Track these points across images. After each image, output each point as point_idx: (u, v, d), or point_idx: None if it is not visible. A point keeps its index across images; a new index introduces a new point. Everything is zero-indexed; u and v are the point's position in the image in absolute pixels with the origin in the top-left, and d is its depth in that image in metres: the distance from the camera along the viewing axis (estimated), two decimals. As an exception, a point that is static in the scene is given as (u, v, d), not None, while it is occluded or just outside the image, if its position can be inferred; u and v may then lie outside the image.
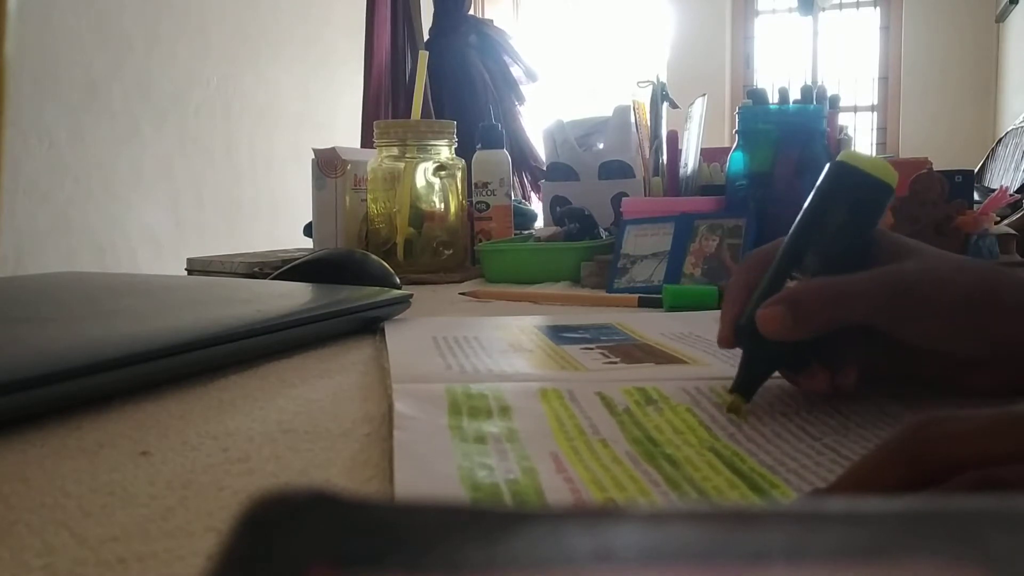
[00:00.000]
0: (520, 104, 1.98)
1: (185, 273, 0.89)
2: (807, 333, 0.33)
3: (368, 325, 0.55)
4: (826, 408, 0.34)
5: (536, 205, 1.41)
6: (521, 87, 1.99)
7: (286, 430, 0.34)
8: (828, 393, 0.35)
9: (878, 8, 4.30)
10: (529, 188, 1.85)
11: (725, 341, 0.36)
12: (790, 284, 0.35)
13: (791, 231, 0.36)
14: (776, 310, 0.33)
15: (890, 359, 0.36)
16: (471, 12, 2.01)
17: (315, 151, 0.96)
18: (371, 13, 1.91)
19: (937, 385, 0.36)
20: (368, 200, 0.93)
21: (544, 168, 1.17)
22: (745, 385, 0.34)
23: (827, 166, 0.36)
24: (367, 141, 1.90)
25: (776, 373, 0.36)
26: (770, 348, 0.34)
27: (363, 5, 1.90)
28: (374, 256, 0.71)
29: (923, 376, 0.37)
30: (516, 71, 1.99)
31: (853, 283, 0.33)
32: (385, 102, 1.88)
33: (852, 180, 0.35)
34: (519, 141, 1.83)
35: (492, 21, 2.15)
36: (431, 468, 0.28)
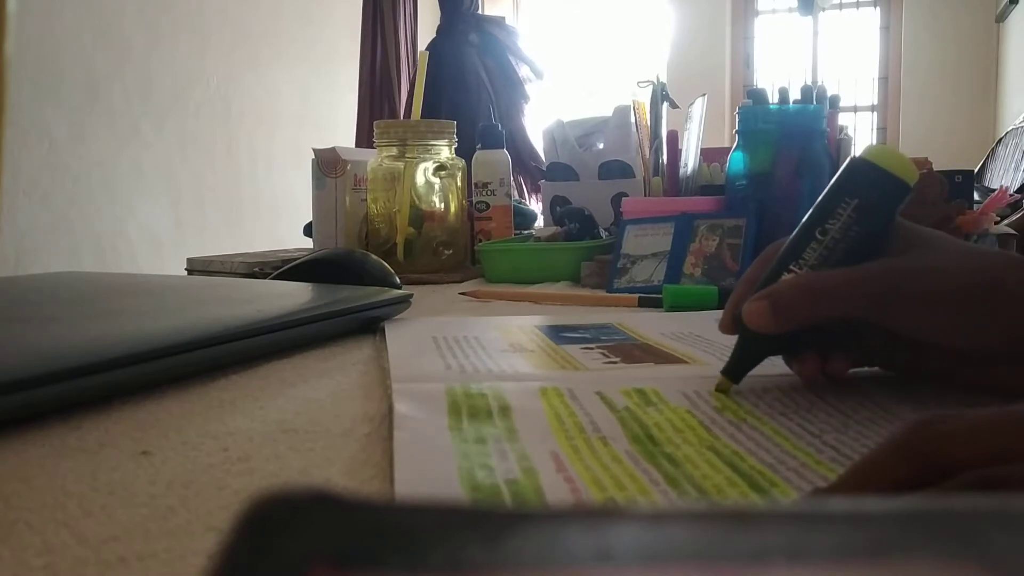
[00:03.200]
0: (526, 103, 1.98)
1: (185, 273, 0.89)
2: (786, 327, 0.34)
3: (368, 325, 0.55)
4: (826, 406, 0.34)
5: (534, 206, 1.41)
6: (528, 85, 1.99)
7: (286, 430, 0.34)
8: (819, 379, 0.37)
9: (878, 8, 4.30)
10: (526, 190, 1.84)
11: (725, 327, 0.38)
12: (785, 277, 0.36)
13: (799, 226, 0.36)
14: (759, 304, 0.34)
15: (891, 351, 0.36)
16: (478, 11, 2.01)
17: (315, 151, 0.96)
18: (367, 14, 1.92)
19: (949, 381, 0.36)
20: (368, 200, 0.93)
21: (543, 169, 1.17)
22: (734, 369, 0.36)
23: (846, 162, 0.36)
24: (361, 141, 1.90)
25: (770, 362, 0.37)
26: (761, 337, 0.35)
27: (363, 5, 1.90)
28: (374, 256, 0.71)
29: (933, 371, 0.36)
30: (524, 70, 1.99)
31: (832, 279, 0.34)
32: (377, 103, 1.88)
33: (866, 176, 0.35)
34: (517, 141, 1.83)
35: (503, 19, 2.15)
36: (431, 468, 0.28)
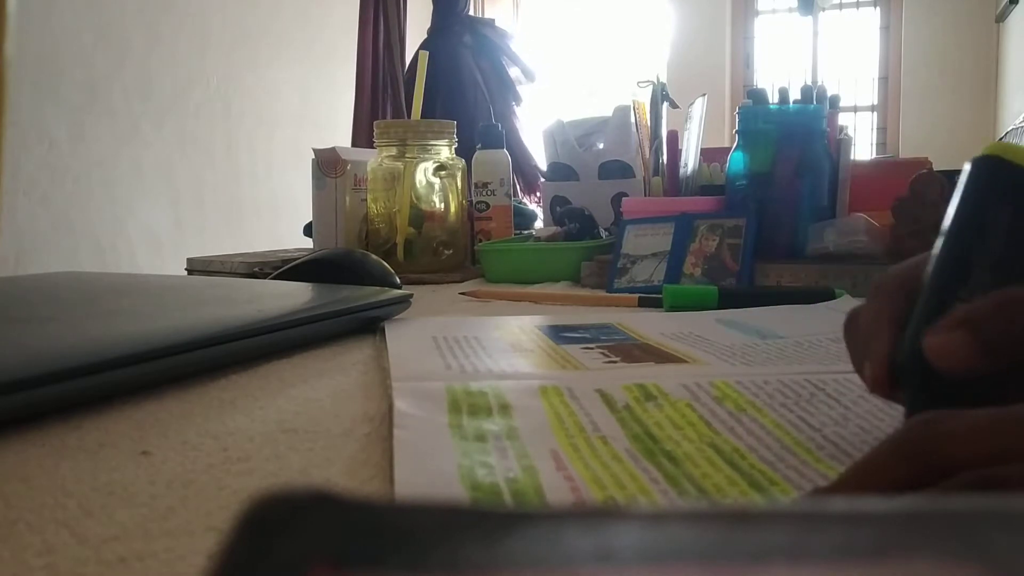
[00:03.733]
0: (518, 104, 1.98)
1: (185, 273, 0.89)
2: (999, 361, 0.25)
3: (368, 325, 0.55)
4: (827, 398, 0.34)
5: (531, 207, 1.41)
6: (519, 87, 1.99)
7: (286, 430, 0.34)
8: None
9: (878, 8, 4.30)
10: (521, 191, 1.84)
11: (882, 386, 0.28)
12: (958, 307, 0.27)
13: (943, 244, 0.29)
14: (955, 336, 0.26)
15: None
16: (471, 12, 2.01)
17: (315, 151, 0.96)
18: (364, 14, 1.92)
19: None
20: (368, 200, 0.93)
21: (537, 171, 1.17)
22: None
23: (969, 164, 0.30)
24: (358, 140, 1.90)
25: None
26: (943, 387, 0.27)
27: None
28: (374, 256, 0.71)
29: None
30: (515, 72, 1.99)
31: None
32: (374, 103, 1.88)
33: (1014, 176, 0.29)
34: (512, 143, 1.84)
35: (493, 21, 2.15)
36: (431, 466, 0.28)
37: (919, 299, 0.28)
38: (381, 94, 1.88)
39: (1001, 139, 2.54)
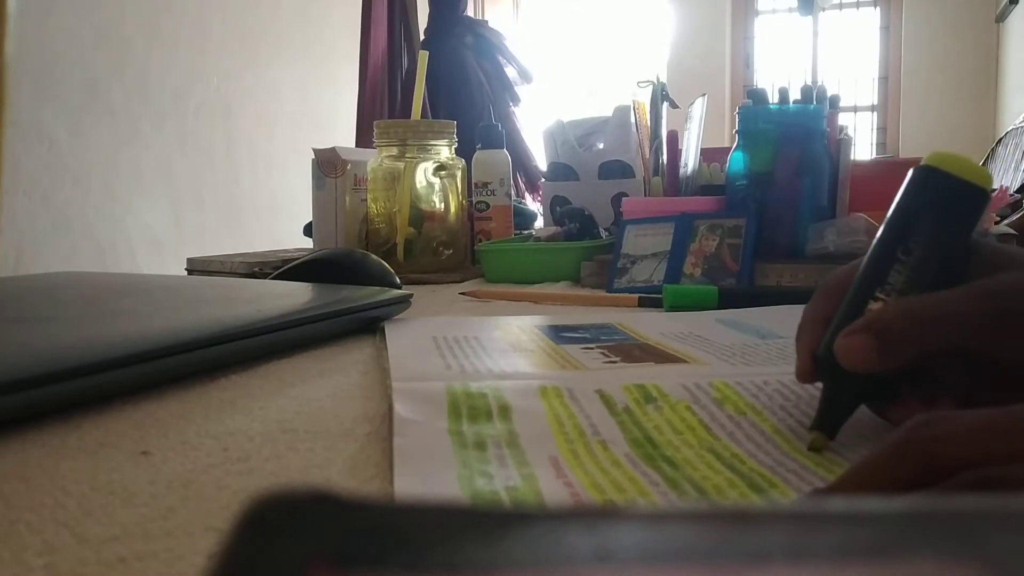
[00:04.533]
0: (515, 105, 1.98)
1: (185, 273, 0.89)
2: (896, 363, 0.29)
3: (368, 325, 0.55)
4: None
5: (532, 206, 1.41)
6: (516, 88, 1.99)
7: (286, 430, 0.34)
8: None
9: (878, 8, 4.30)
10: (524, 190, 1.84)
11: (804, 375, 0.32)
12: (872, 308, 0.31)
13: (871, 248, 0.32)
14: (859, 339, 0.29)
15: (987, 385, 0.30)
16: (467, 13, 2.01)
17: (315, 151, 0.96)
18: (367, 13, 1.91)
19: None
20: (368, 200, 0.93)
21: (539, 170, 1.17)
22: (827, 422, 0.30)
23: (910, 172, 0.32)
24: (362, 140, 1.90)
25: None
26: (854, 380, 0.30)
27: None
28: (374, 256, 0.71)
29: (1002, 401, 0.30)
30: (511, 72, 1.99)
31: (948, 302, 0.29)
32: (380, 102, 1.88)
33: (940, 186, 0.31)
34: (515, 143, 1.84)
35: (487, 22, 2.15)
36: (431, 476, 0.28)
37: (844, 298, 0.32)
38: (401, 94, 1.87)
39: (1001, 139, 2.54)
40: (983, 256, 0.31)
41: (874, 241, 0.32)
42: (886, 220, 0.32)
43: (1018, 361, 0.28)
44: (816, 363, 0.32)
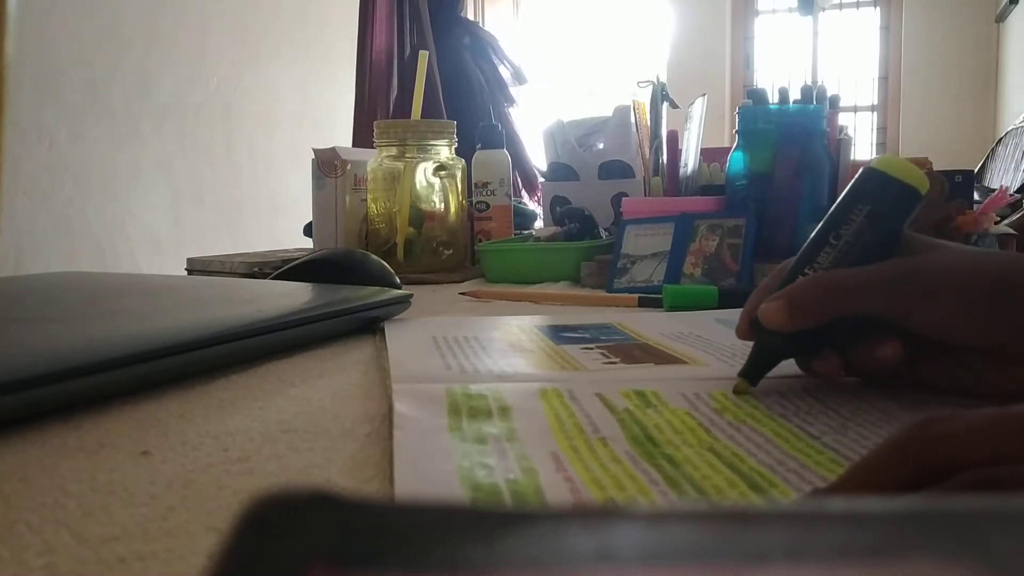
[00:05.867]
0: (510, 106, 1.98)
1: (185, 273, 0.89)
2: (801, 325, 0.35)
3: (368, 325, 0.55)
4: (826, 409, 0.34)
5: (532, 206, 1.41)
6: (510, 89, 2.00)
7: (286, 430, 0.34)
8: (840, 377, 0.37)
9: (878, 8, 4.30)
10: (521, 190, 1.84)
11: (741, 333, 0.39)
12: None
13: (813, 233, 0.37)
14: (775, 303, 0.35)
15: (908, 354, 0.36)
16: (462, 14, 2.02)
17: (315, 151, 0.96)
18: (364, 13, 1.91)
19: (966, 389, 0.35)
20: (368, 200, 0.93)
21: (536, 171, 1.17)
22: (752, 371, 0.37)
23: (861, 170, 0.37)
24: (359, 140, 1.90)
25: (786, 362, 0.38)
26: (777, 339, 0.36)
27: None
28: (374, 256, 0.71)
29: (949, 377, 0.36)
30: (505, 73, 1.99)
31: (847, 276, 0.35)
32: (384, 102, 1.88)
33: (878, 184, 0.36)
34: (510, 143, 1.84)
35: (479, 23, 2.16)
36: (431, 468, 0.28)
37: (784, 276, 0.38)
38: (409, 94, 1.88)
39: (1001, 139, 2.54)
40: (912, 246, 0.36)
41: (816, 228, 0.37)
42: (830, 211, 0.37)
43: (920, 327, 0.34)
44: (752, 324, 0.38)
